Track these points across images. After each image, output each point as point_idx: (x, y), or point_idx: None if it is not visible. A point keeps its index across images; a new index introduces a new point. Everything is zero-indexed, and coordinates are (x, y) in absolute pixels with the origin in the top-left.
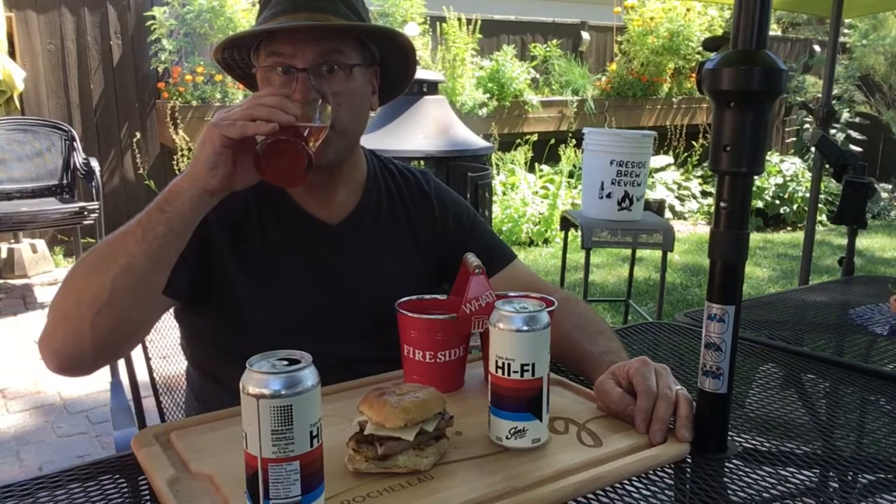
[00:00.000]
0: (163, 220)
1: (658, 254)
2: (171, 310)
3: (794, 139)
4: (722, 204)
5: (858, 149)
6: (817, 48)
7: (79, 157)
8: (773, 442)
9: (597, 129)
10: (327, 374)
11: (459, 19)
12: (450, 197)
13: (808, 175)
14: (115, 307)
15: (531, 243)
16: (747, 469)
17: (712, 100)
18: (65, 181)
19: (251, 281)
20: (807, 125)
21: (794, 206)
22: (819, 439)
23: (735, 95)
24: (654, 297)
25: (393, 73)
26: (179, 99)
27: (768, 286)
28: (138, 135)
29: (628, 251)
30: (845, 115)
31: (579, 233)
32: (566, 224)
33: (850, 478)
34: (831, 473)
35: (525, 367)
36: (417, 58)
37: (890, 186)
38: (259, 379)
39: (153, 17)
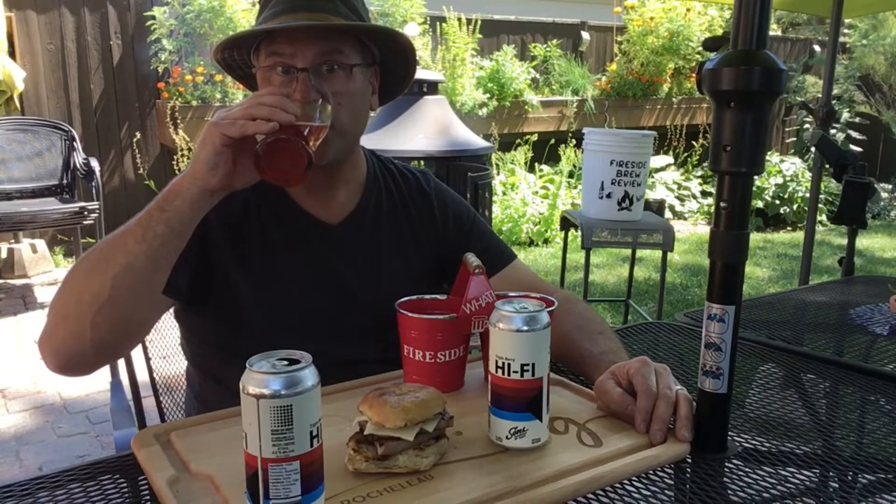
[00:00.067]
0: (163, 220)
1: (658, 254)
2: (171, 310)
3: (794, 139)
4: (722, 204)
5: (858, 149)
6: (817, 48)
7: (79, 157)
8: (773, 442)
9: (597, 129)
10: (327, 374)
11: (459, 19)
12: (450, 197)
13: (808, 175)
14: (115, 307)
15: (531, 243)
16: (747, 469)
17: (712, 100)
18: (65, 181)
19: (251, 281)
20: (807, 125)
21: (794, 206)
22: (819, 439)
23: (735, 95)
24: (654, 297)
25: (393, 73)
26: (179, 99)
27: (768, 286)
28: (138, 135)
29: (628, 251)
30: (845, 115)
31: (579, 233)
32: (566, 224)
33: (850, 478)
34: (831, 473)
35: (525, 367)
36: (417, 58)
37: (890, 186)
38: (259, 379)
39: (153, 17)
